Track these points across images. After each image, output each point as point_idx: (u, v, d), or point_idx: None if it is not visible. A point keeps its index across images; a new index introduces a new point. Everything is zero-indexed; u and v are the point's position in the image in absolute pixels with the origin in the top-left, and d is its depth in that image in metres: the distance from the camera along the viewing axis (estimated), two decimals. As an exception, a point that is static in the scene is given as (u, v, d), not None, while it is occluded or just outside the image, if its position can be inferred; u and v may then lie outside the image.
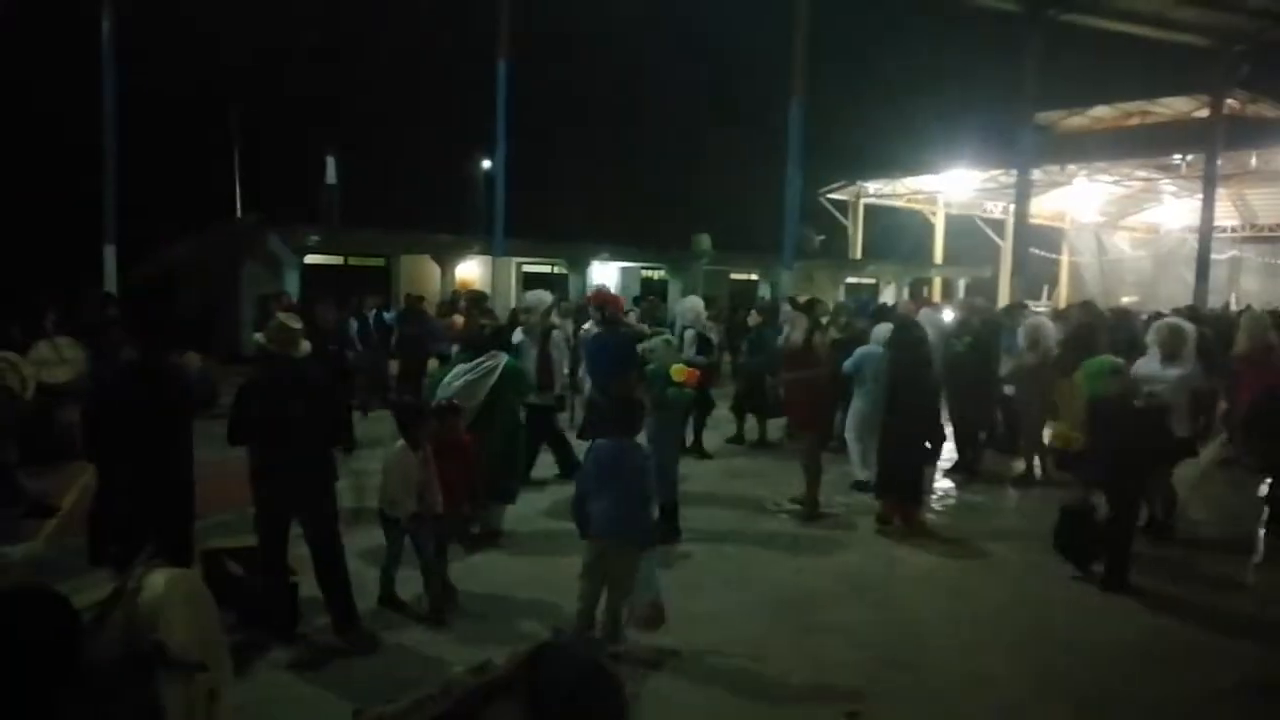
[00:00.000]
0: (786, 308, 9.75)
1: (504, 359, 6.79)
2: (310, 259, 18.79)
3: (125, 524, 5.30)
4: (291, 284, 17.47)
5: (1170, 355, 7.07)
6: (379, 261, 20.86)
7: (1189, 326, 7.40)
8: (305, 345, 5.22)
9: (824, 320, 8.69)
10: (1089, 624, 5.45)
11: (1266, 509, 7.39)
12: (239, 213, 19.96)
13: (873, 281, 30.91)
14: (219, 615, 3.74)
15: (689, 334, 10.23)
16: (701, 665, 4.73)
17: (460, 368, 6.78)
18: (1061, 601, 5.83)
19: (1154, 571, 6.22)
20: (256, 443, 4.97)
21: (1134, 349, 8.33)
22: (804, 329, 7.60)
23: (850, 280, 29.54)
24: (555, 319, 9.21)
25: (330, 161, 18.58)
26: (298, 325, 5.22)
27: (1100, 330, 7.18)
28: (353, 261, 20.43)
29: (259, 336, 5.37)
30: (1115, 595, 5.84)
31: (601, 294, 9.55)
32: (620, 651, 4.63)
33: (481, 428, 6.35)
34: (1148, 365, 7.22)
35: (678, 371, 6.62)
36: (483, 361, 6.72)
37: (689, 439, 9.90)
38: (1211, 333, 9.39)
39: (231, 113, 20.82)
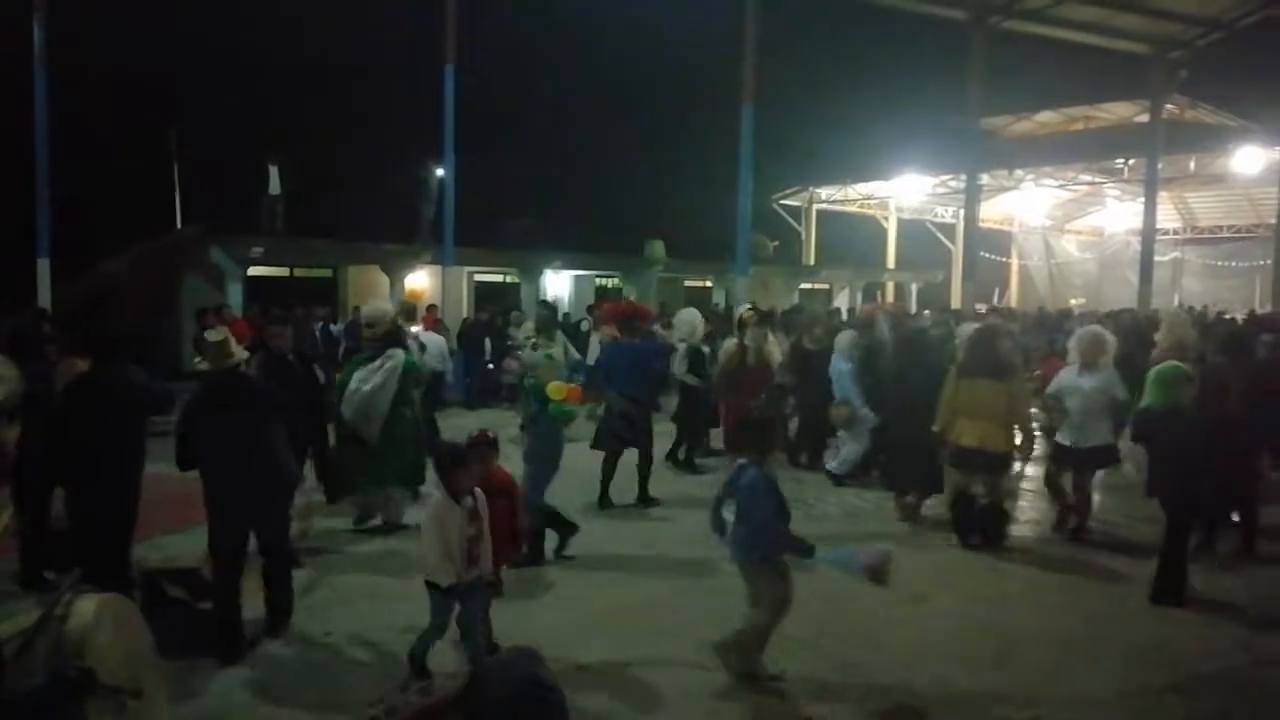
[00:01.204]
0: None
1: (402, 355, 7.27)
2: (255, 270, 18.35)
3: (64, 545, 5.25)
4: (235, 296, 17.02)
5: (1089, 365, 7.19)
6: (326, 273, 20.46)
7: (1109, 336, 7.54)
8: (240, 354, 5.12)
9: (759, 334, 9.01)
10: (1039, 621, 5.42)
11: None
12: (179, 224, 19.44)
13: (826, 287, 31.09)
14: (152, 640, 3.60)
15: (681, 348, 9.86)
16: (653, 677, 4.66)
17: (366, 369, 7.15)
18: (1016, 598, 5.80)
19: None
20: (208, 460, 4.93)
21: (1053, 355, 8.46)
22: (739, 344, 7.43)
23: (804, 286, 29.67)
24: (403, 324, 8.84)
25: (273, 171, 18.12)
26: (224, 336, 5.07)
27: (1001, 336, 7.27)
28: (299, 273, 20.00)
29: (197, 360, 5.20)
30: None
31: (628, 305, 9.91)
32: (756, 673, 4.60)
33: (389, 421, 7.07)
34: (1066, 374, 7.36)
35: (555, 390, 6.39)
36: (383, 363, 7.14)
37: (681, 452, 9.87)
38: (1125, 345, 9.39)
39: (171, 122, 20.28)
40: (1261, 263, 27.81)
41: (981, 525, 7.01)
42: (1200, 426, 5.74)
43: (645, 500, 8.19)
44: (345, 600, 5.77)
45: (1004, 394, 6.83)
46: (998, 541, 6.98)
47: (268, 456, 5.00)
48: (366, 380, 7.04)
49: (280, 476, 5.12)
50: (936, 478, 7.37)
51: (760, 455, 4.60)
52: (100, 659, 3.08)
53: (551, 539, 6.58)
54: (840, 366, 8.89)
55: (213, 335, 5.10)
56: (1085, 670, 4.87)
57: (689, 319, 10.11)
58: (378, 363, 7.14)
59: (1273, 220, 23.24)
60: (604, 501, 8.06)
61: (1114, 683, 4.72)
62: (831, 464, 9.21)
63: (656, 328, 11.67)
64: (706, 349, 10.19)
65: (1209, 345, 9.62)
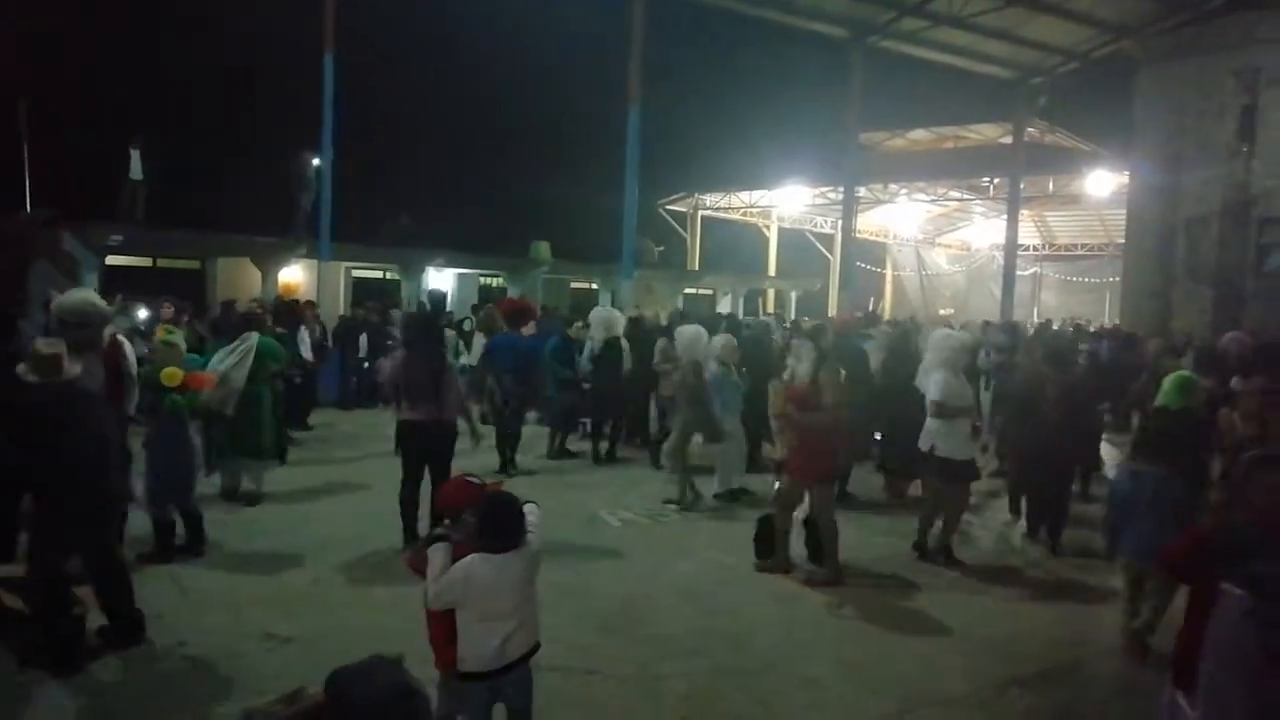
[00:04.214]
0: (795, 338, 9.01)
1: (255, 338, 7.79)
2: (114, 260, 17.28)
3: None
4: (91, 286, 15.99)
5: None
6: (193, 264, 19.44)
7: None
8: (71, 369, 4.81)
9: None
10: (904, 626, 5.61)
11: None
12: (28, 207, 18.11)
13: (710, 292, 31.57)
14: None
15: (592, 344, 10.47)
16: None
17: (220, 353, 7.68)
18: (875, 606, 5.98)
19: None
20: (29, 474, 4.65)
21: (907, 363, 8.80)
22: (810, 361, 6.50)
23: (689, 290, 30.05)
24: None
25: (135, 154, 17.08)
26: (56, 351, 4.76)
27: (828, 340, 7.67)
28: (162, 263, 18.95)
29: (21, 367, 4.79)
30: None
31: (519, 300, 11.23)
32: None
33: (245, 400, 7.49)
34: (921, 380, 7.69)
35: (169, 375, 6.17)
36: (238, 345, 7.67)
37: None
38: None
39: (21, 92, 18.85)
40: (1112, 279, 29.74)
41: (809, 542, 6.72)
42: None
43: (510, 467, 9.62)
44: (199, 605, 5.49)
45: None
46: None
47: (92, 474, 4.71)
48: (223, 360, 7.54)
49: (105, 494, 4.84)
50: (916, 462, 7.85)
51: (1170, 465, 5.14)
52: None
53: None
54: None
55: (44, 348, 4.74)
56: (943, 666, 5.08)
57: (604, 318, 10.72)
58: (234, 344, 7.71)
59: (1122, 240, 24.87)
60: (507, 466, 9.56)
61: (968, 678, 4.94)
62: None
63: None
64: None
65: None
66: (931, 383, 7.06)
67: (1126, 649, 5.23)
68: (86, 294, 6.24)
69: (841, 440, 6.60)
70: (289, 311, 12.28)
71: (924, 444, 6.96)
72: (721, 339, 9.08)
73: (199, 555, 6.36)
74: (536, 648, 3.63)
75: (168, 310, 11.39)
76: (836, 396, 6.39)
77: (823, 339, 8.43)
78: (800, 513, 6.67)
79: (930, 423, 6.91)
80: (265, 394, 7.85)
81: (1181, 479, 5.17)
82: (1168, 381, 6.48)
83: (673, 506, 8.29)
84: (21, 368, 4.76)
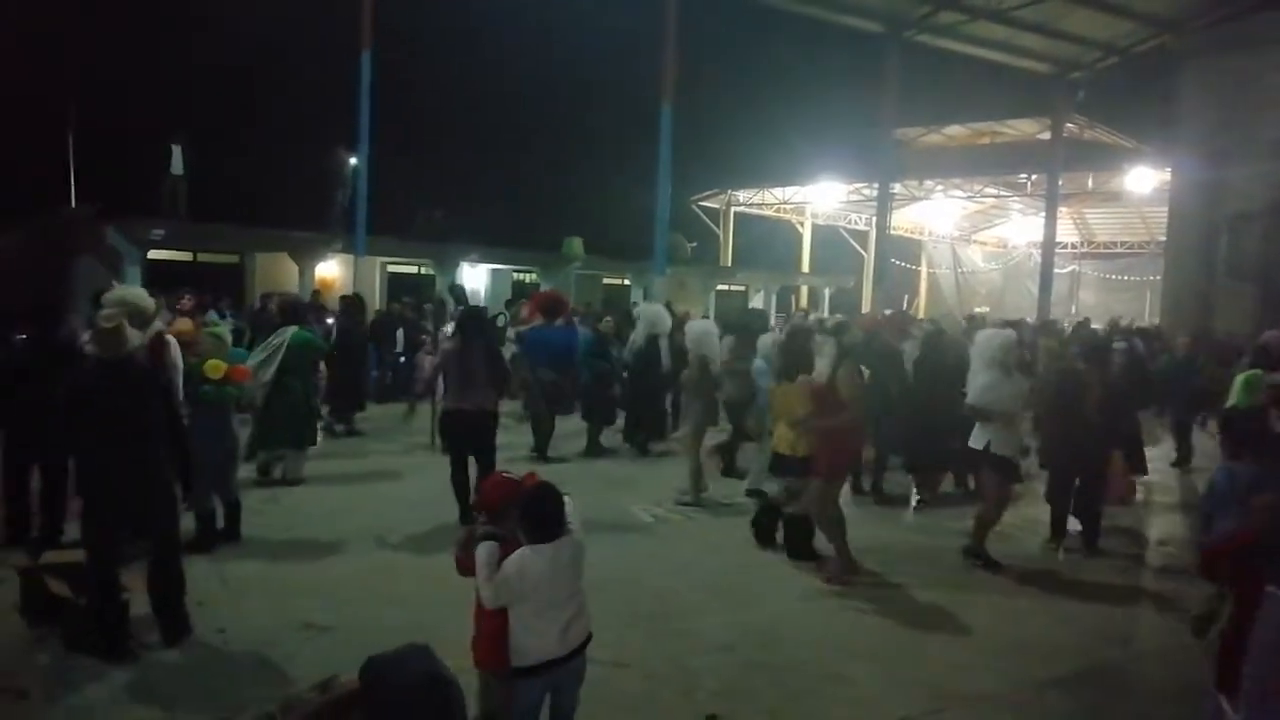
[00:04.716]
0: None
1: (289, 333, 8.21)
2: (155, 254, 17.60)
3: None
4: (134, 280, 16.28)
5: None
6: (232, 258, 19.75)
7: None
8: (133, 339, 4.92)
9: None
10: (944, 625, 5.58)
11: None
12: (73, 202, 18.48)
13: (743, 289, 31.48)
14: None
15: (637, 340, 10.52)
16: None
17: (259, 349, 8.28)
18: (908, 603, 5.95)
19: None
20: (84, 449, 4.72)
21: (938, 360, 8.78)
22: (831, 360, 6.37)
23: (721, 287, 29.99)
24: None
25: (176, 150, 17.37)
26: (118, 324, 4.83)
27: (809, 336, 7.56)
28: (203, 258, 19.26)
29: (86, 341, 4.97)
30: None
31: (551, 294, 11.61)
32: None
33: (277, 390, 8.01)
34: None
35: (212, 368, 6.32)
36: (272, 340, 8.24)
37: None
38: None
39: (68, 93, 19.27)
40: (1152, 278, 29.23)
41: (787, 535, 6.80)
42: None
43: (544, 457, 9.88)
44: (239, 593, 5.59)
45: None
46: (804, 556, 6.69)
47: (152, 447, 4.78)
48: (257, 357, 8.11)
49: (162, 468, 4.86)
50: (948, 458, 8.43)
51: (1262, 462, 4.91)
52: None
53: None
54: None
55: (105, 321, 4.80)
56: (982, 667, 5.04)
57: (652, 314, 10.71)
58: (270, 339, 8.31)
59: (1163, 237, 24.45)
60: (542, 455, 9.86)
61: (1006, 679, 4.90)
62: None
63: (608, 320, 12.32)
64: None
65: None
66: (975, 385, 7.01)
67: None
68: (124, 291, 6.33)
69: (860, 439, 6.58)
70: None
71: (977, 442, 6.82)
72: (770, 337, 8.88)
73: (236, 542, 6.48)
74: (590, 638, 3.62)
75: (186, 303, 11.57)
76: (854, 394, 6.30)
77: (846, 335, 8.38)
78: (799, 509, 6.64)
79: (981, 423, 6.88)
80: (295, 386, 8.16)
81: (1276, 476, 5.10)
82: (1238, 381, 6.80)
83: (687, 504, 8.26)
84: (84, 341, 4.88)
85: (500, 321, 15.35)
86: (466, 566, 3.55)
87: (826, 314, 25.24)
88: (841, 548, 6.34)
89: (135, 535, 4.89)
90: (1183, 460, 10.86)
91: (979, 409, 6.76)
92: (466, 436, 7.12)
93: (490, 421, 7.22)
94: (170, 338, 6.61)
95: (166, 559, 4.87)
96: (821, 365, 6.40)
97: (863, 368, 6.97)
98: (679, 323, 12.65)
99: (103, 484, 4.69)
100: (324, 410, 10.70)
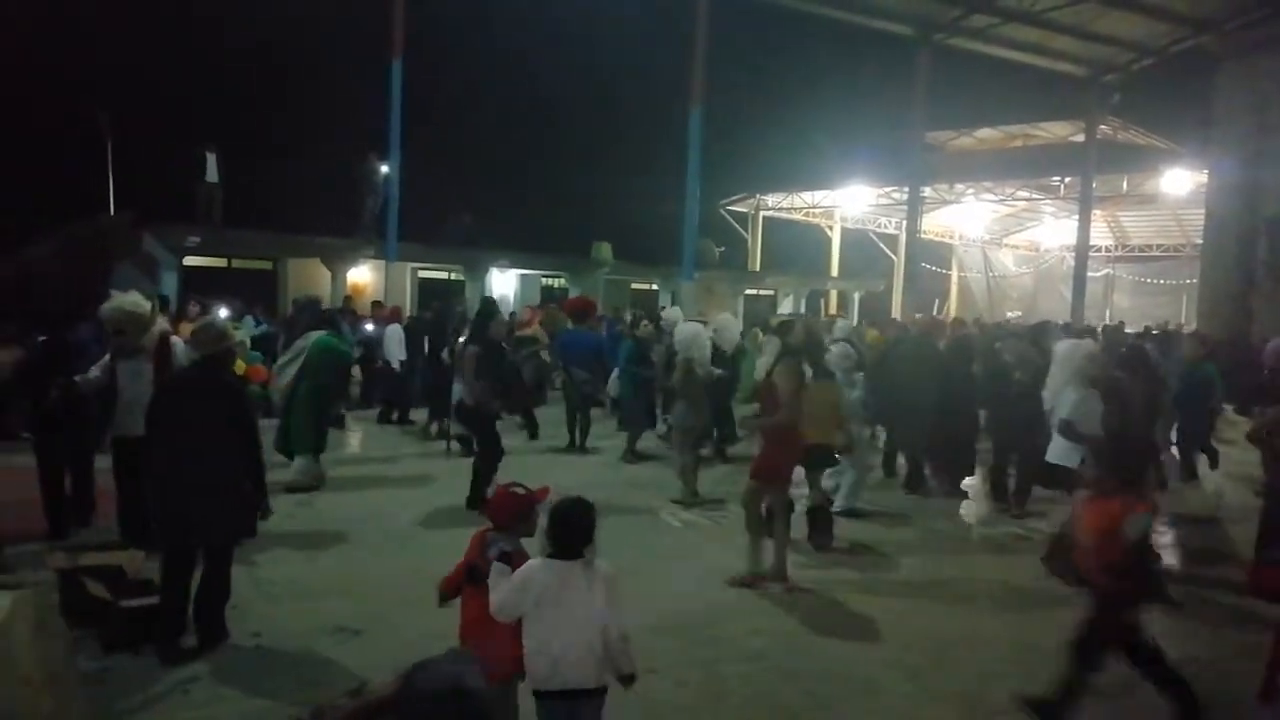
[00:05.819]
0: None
1: (313, 337, 8.50)
2: (190, 260, 17.88)
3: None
4: (170, 286, 16.55)
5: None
6: (265, 264, 20.01)
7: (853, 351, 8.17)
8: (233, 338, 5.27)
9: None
10: (969, 627, 5.53)
11: None
12: (111, 209, 18.81)
13: (771, 293, 31.39)
14: (70, 640, 3.49)
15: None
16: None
17: (285, 355, 8.67)
18: (939, 611, 5.90)
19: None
20: (158, 453, 4.80)
21: (964, 365, 8.90)
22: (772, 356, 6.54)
23: (750, 291, 29.92)
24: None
25: (211, 158, 17.64)
26: (211, 320, 5.08)
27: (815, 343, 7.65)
28: (237, 264, 19.54)
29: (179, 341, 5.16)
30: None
31: (581, 299, 12.96)
32: None
33: (296, 394, 8.25)
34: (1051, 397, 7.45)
35: (240, 368, 6.58)
36: (296, 344, 8.59)
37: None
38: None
39: (105, 102, 19.60)
40: (1188, 281, 28.79)
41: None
42: None
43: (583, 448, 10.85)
44: (272, 597, 5.65)
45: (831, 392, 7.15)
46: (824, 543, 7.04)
47: (222, 453, 4.81)
48: (282, 365, 8.51)
49: (231, 475, 4.87)
50: (972, 461, 8.89)
51: None
52: (12, 658, 2.96)
53: None
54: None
55: (199, 319, 5.00)
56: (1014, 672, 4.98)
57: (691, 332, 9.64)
58: (294, 347, 8.59)
59: (1199, 240, 24.06)
60: (578, 445, 10.90)
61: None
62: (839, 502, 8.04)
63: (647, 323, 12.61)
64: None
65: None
66: (1064, 401, 6.89)
67: None
68: (122, 300, 6.26)
69: (796, 441, 6.23)
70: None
71: (1069, 460, 6.67)
72: (839, 349, 8.27)
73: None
74: (604, 689, 3.34)
75: (194, 309, 11.78)
76: (792, 394, 6.04)
77: (789, 335, 8.58)
78: (802, 504, 6.85)
79: (1061, 440, 6.77)
80: (301, 390, 8.30)
81: None
82: None
83: (679, 506, 8.29)
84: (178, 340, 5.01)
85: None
86: (449, 589, 3.79)
87: (856, 319, 25.16)
88: (782, 558, 6.20)
89: (199, 542, 4.89)
90: (1190, 474, 10.16)
91: (1074, 428, 6.55)
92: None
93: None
94: (175, 338, 6.75)
95: (220, 567, 4.91)
96: (763, 363, 6.46)
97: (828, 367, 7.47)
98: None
99: (177, 486, 4.72)
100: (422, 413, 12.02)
